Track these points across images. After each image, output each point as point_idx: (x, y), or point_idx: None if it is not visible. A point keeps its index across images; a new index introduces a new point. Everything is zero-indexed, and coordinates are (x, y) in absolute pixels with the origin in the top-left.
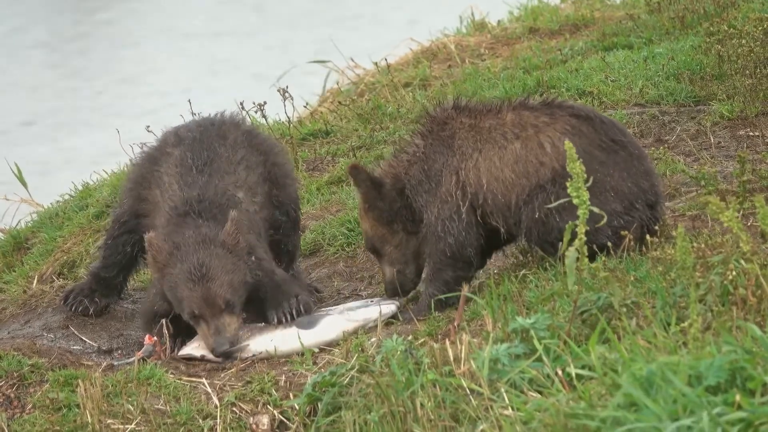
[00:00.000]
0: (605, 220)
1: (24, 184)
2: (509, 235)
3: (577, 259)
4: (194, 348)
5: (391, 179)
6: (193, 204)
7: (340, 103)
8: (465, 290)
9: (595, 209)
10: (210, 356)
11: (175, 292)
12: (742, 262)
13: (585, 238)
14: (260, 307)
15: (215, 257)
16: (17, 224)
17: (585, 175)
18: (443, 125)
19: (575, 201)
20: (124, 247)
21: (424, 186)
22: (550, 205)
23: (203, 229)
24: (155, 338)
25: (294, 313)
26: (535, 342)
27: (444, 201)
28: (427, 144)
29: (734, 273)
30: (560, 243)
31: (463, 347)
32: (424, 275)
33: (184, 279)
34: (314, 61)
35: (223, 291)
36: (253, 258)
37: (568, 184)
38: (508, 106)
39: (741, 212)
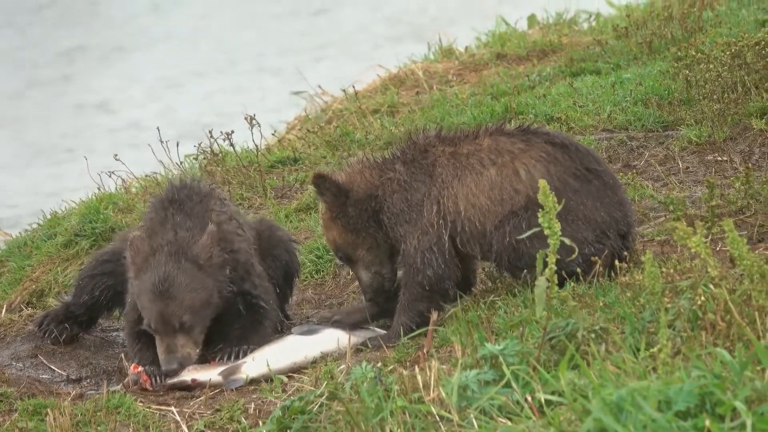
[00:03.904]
0: (576, 253)
1: None
2: (483, 262)
3: (548, 287)
4: (183, 374)
5: (363, 188)
6: (175, 193)
7: (308, 130)
8: (434, 317)
9: (567, 241)
10: (202, 378)
11: (139, 301)
12: (711, 287)
13: (555, 267)
14: (228, 323)
15: (182, 273)
16: None
17: (557, 205)
18: (425, 153)
19: (547, 232)
20: (94, 290)
21: (405, 216)
22: (522, 236)
23: (181, 234)
24: (140, 368)
25: (239, 356)
26: (504, 368)
27: (425, 232)
28: (408, 172)
29: (703, 298)
30: (530, 269)
31: (433, 374)
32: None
33: (148, 290)
34: (295, 93)
35: (180, 311)
36: (227, 272)
37: (540, 214)
38: (485, 132)
39: (710, 237)
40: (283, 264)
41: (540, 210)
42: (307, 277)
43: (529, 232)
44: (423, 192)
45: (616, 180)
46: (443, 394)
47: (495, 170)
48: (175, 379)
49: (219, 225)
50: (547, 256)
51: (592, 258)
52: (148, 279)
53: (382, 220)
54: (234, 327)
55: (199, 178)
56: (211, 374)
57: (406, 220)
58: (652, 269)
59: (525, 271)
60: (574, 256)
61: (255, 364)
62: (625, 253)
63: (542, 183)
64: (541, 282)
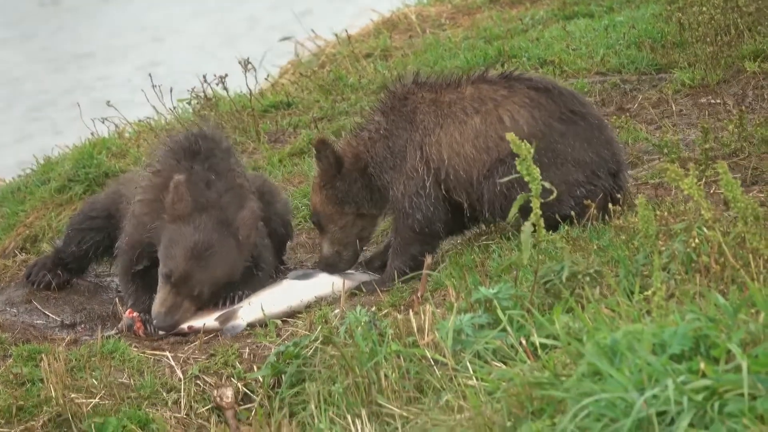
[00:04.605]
0: (555, 194)
1: None
2: (472, 210)
3: (534, 232)
4: None
5: (351, 158)
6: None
7: (301, 74)
8: (428, 261)
9: (547, 184)
10: (197, 326)
11: (170, 248)
12: (705, 229)
13: (545, 210)
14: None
15: (223, 246)
16: None
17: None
18: (404, 100)
19: (526, 178)
20: (81, 244)
21: (389, 162)
22: (504, 179)
23: (225, 199)
24: (135, 313)
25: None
26: (499, 312)
27: (410, 177)
28: (389, 120)
29: (697, 241)
30: (523, 215)
31: (427, 318)
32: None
33: (185, 246)
34: (283, 39)
35: (205, 281)
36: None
37: (517, 162)
38: (467, 80)
39: (703, 180)
40: (278, 236)
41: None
42: (300, 222)
43: (510, 177)
44: (405, 138)
45: (601, 120)
46: (438, 338)
47: (479, 118)
48: None
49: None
50: (528, 201)
51: (585, 201)
52: (189, 234)
53: (370, 174)
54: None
55: (215, 126)
56: (207, 320)
57: (391, 167)
58: (646, 212)
59: (519, 217)
60: (553, 196)
61: (251, 308)
62: (618, 195)
63: (510, 136)
64: (526, 228)
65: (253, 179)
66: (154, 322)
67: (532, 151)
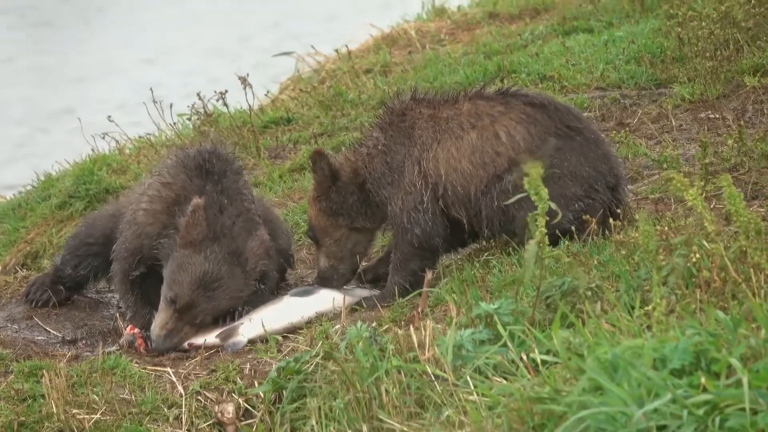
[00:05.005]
0: (559, 216)
1: None
2: (470, 227)
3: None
4: None
5: (349, 172)
6: (212, 162)
7: (301, 90)
8: (429, 276)
9: (553, 205)
10: (197, 342)
11: (177, 273)
12: (706, 243)
13: (546, 229)
14: None
15: (231, 278)
16: None
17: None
18: (402, 116)
19: (534, 200)
20: (79, 269)
21: (387, 178)
22: (508, 202)
23: (237, 226)
24: (137, 329)
25: (234, 318)
26: (499, 327)
27: (408, 192)
28: (387, 136)
29: (697, 255)
30: (522, 231)
31: (428, 333)
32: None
33: (193, 276)
34: (280, 54)
35: (208, 311)
36: (257, 284)
37: (524, 181)
38: (465, 96)
39: (704, 195)
40: (279, 267)
41: (522, 170)
42: (301, 237)
43: (513, 199)
44: (403, 153)
45: (598, 135)
46: (438, 354)
47: (475, 134)
48: None
49: (247, 211)
50: (535, 220)
51: (584, 217)
52: (199, 264)
53: (368, 190)
54: None
55: (227, 145)
56: (208, 337)
57: (389, 182)
58: (646, 227)
59: (517, 233)
60: (558, 218)
61: (251, 325)
62: (618, 209)
63: (519, 157)
64: (531, 247)
65: (257, 204)
66: (153, 344)
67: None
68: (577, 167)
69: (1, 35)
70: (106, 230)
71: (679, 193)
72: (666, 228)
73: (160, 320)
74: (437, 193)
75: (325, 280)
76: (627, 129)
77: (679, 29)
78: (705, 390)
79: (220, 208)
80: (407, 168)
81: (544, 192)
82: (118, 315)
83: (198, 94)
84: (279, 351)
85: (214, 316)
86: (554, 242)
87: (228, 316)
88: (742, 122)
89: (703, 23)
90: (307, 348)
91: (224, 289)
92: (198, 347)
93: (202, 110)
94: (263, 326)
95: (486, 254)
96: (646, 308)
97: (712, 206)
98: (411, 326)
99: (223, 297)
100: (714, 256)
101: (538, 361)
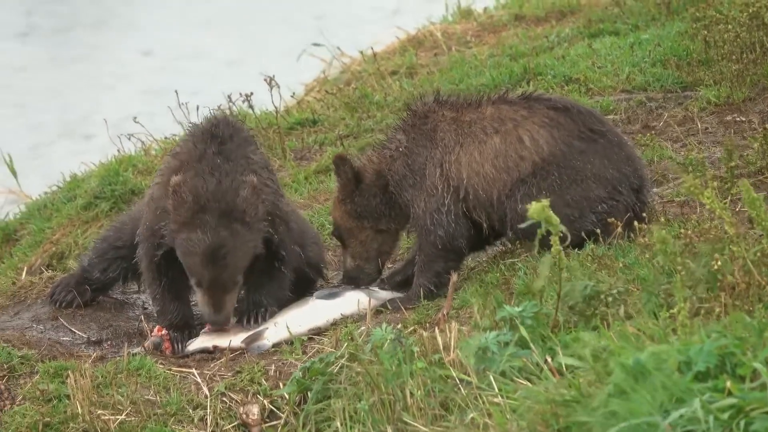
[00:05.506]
0: (568, 241)
1: (14, 173)
2: (492, 230)
3: (554, 263)
4: (204, 341)
5: (372, 174)
6: (219, 128)
7: (327, 92)
8: (454, 278)
9: (563, 229)
10: (222, 344)
11: (187, 259)
12: (730, 246)
13: (568, 227)
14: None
15: (233, 236)
16: (6, 216)
17: (564, 166)
18: (425, 119)
19: (543, 223)
20: (108, 272)
21: (409, 180)
22: (521, 226)
23: (225, 183)
24: (164, 331)
25: (258, 321)
26: (522, 330)
27: (430, 194)
28: (409, 138)
29: (719, 262)
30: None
31: (452, 336)
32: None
33: (199, 253)
34: (313, 45)
35: (234, 274)
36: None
37: (532, 205)
38: (488, 101)
39: (729, 198)
40: (308, 280)
41: (548, 174)
42: (326, 239)
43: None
44: (425, 156)
45: (621, 137)
46: (463, 356)
47: (499, 138)
48: (196, 346)
49: (256, 174)
50: (548, 233)
51: (609, 219)
52: (198, 241)
53: (391, 193)
54: (253, 270)
55: (242, 119)
56: (233, 340)
57: (411, 184)
58: (662, 234)
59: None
60: (568, 242)
61: (277, 329)
62: (642, 211)
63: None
64: (546, 260)
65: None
66: (213, 327)
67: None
68: (600, 169)
69: (24, 37)
70: (134, 233)
71: (693, 196)
72: (690, 231)
73: (202, 303)
74: (459, 195)
75: (351, 280)
76: (653, 132)
77: (705, 32)
78: (730, 393)
79: (211, 169)
80: (429, 170)
81: (556, 219)
82: (143, 317)
83: (228, 96)
84: (304, 352)
85: (241, 272)
86: (579, 244)
87: (253, 317)
88: (767, 125)
89: (729, 26)
90: (332, 349)
91: (233, 251)
92: (223, 349)
93: (228, 111)
94: (288, 330)
95: (510, 257)
96: (671, 311)
97: (737, 209)
98: (436, 328)
99: (237, 257)
100: (737, 260)
101: (563, 364)
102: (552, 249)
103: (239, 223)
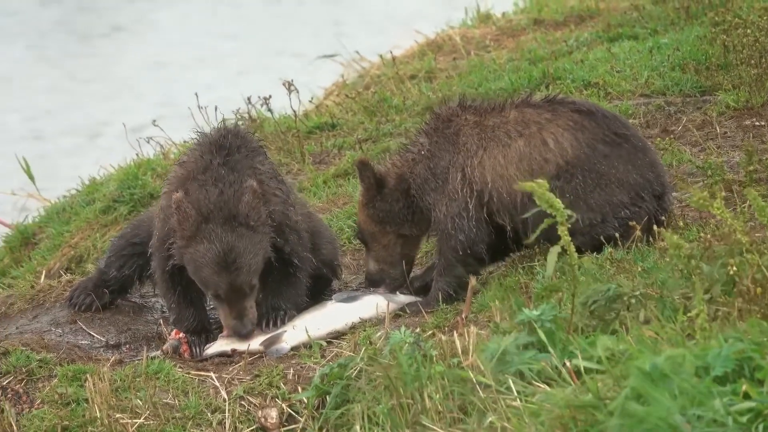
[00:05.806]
0: (573, 218)
1: (32, 178)
2: (515, 233)
3: (558, 258)
4: (222, 344)
5: (395, 179)
6: (227, 138)
7: (346, 96)
8: (473, 282)
9: (573, 215)
10: (240, 347)
11: (200, 272)
12: (744, 252)
13: (589, 231)
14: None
15: (240, 240)
16: (24, 219)
17: (588, 169)
18: (448, 123)
19: (549, 210)
20: (124, 269)
21: (431, 184)
22: (526, 215)
23: (227, 192)
24: (181, 334)
25: (277, 324)
26: (540, 334)
27: (452, 198)
28: (431, 142)
29: (735, 268)
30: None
31: (471, 339)
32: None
33: (212, 263)
34: (323, 56)
35: (249, 278)
36: (271, 230)
37: (536, 198)
38: (512, 104)
39: (747, 203)
40: (323, 280)
41: (572, 177)
42: (345, 243)
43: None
44: (447, 160)
45: (645, 142)
46: (481, 359)
47: (523, 141)
48: (215, 350)
49: (260, 182)
50: (555, 223)
51: (630, 223)
52: (207, 251)
53: (413, 197)
54: (268, 279)
55: (252, 131)
56: (252, 343)
57: (433, 188)
58: (675, 241)
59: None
60: (572, 219)
61: (295, 333)
62: (663, 217)
63: (524, 186)
64: (553, 250)
65: (300, 206)
66: (241, 336)
67: (547, 185)
68: (624, 174)
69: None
70: (151, 231)
71: (700, 208)
72: (709, 236)
73: (224, 314)
74: (482, 200)
75: (374, 283)
76: (671, 136)
77: (724, 36)
78: (748, 397)
79: (214, 180)
80: (451, 174)
81: (558, 203)
82: (161, 320)
83: (248, 98)
84: (323, 356)
85: (257, 276)
86: (599, 248)
87: (272, 320)
88: None
89: (749, 30)
90: (351, 353)
91: (244, 254)
92: (242, 353)
93: (246, 115)
94: (307, 333)
95: (529, 260)
96: (689, 314)
97: (755, 214)
98: (455, 332)
99: (249, 259)
100: (751, 265)
101: (581, 367)
102: (561, 239)
103: (244, 227)
